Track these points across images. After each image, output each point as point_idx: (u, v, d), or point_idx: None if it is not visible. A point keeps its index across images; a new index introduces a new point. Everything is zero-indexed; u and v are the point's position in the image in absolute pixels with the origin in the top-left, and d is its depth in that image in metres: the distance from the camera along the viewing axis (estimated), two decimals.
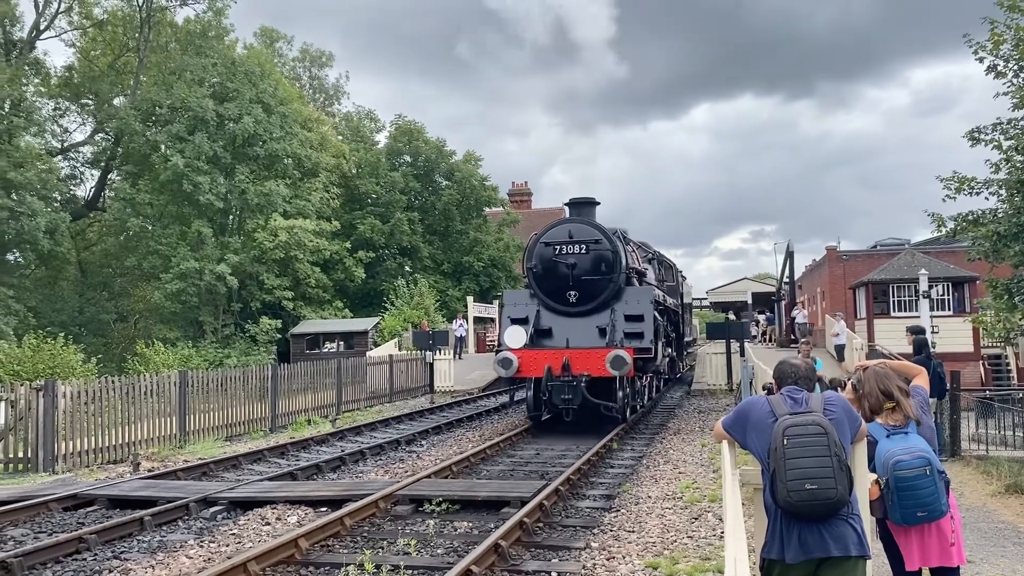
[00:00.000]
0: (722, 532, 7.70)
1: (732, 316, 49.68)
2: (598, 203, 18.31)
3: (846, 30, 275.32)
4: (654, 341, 16.69)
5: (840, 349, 26.10)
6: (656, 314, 17.38)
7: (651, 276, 20.71)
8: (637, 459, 13.60)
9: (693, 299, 41.24)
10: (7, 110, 36.49)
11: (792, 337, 31.71)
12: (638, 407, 18.59)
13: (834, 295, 34.41)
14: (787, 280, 36.95)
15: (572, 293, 17.07)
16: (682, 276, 28.33)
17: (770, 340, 38.38)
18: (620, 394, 16.39)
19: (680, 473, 11.95)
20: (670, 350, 21.80)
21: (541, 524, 8.81)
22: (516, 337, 16.72)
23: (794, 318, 32.39)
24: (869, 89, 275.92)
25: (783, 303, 37.17)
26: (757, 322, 41.32)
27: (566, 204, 18.65)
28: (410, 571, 7.19)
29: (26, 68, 40.59)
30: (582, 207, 18.15)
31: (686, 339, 28.69)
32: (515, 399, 21.70)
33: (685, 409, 21.86)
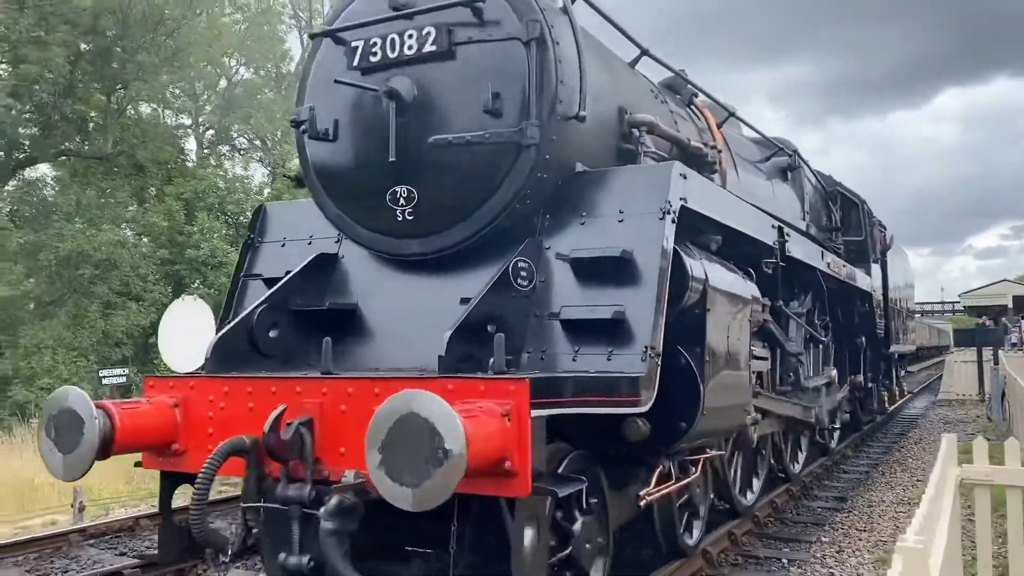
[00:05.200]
0: None
1: (989, 322, 45.83)
2: None
3: None
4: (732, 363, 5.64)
5: None
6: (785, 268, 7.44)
7: (760, 181, 9.33)
8: (872, 466, 13.08)
9: (913, 298, 22.29)
10: None
11: None
12: None
13: None
14: None
15: (402, 192, 5.20)
16: (886, 236, 16.39)
17: None
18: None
19: (919, 481, 11.32)
20: (837, 377, 11.30)
21: (772, 519, 8.93)
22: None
23: None
24: None
25: None
26: (1019, 328, 37.94)
27: None
28: None
29: None
30: None
31: (897, 346, 16.56)
32: None
33: (929, 419, 20.12)
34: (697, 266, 5.14)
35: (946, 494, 4.38)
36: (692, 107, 7.84)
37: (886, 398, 16.42)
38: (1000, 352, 23.67)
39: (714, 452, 6.08)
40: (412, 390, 3.49)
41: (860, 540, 8.04)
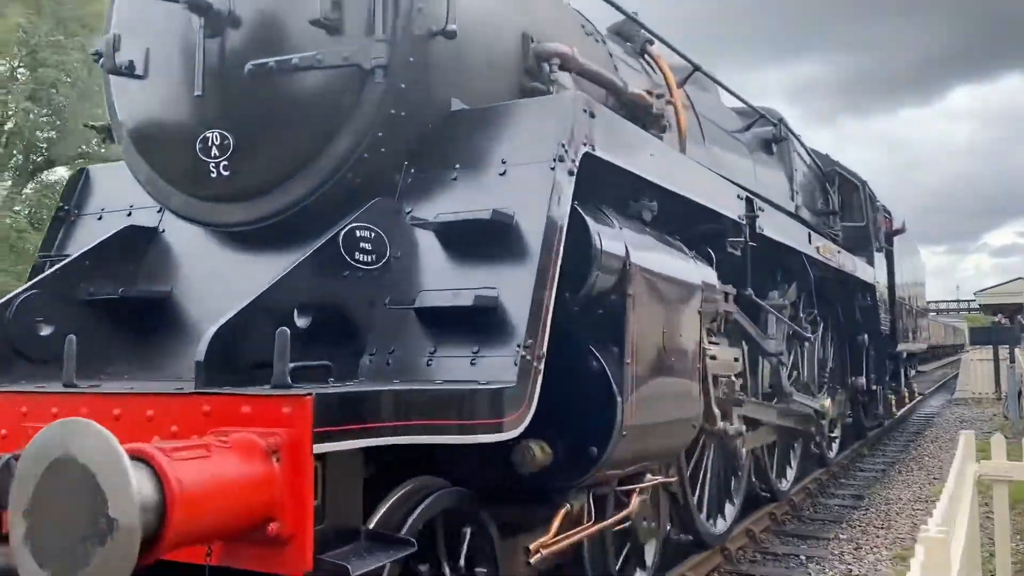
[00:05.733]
0: None
1: (1004, 320, 44.62)
2: None
3: None
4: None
5: None
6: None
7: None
8: (889, 464, 12.90)
9: (924, 295, 21.15)
10: None
11: None
12: None
13: None
14: None
15: (214, 139, 3.82)
16: (892, 223, 15.00)
17: None
18: None
19: (935, 479, 11.33)
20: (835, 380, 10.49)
21: (790, 516, 8.78)
22: None
23: None
24: None
25: None
26: None
27: None
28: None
29: None
30: None
31: (906, 344, 15.21)
32: None
33: (944, 418, 19.70)
34: (611, 237, 3.81)
35: (965, 489, 4.49)
36: (646, 57, 6.48)
37: (893, 402, 14.91)
38: (1016, 350, 22.79)
39: (656, 479, 4.74)
40: (73, 419, 2.14)
41: (878, 537, 8.11)
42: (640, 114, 5.19)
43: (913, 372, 19.30)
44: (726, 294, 5.63)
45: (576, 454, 3.75)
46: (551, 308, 3.28)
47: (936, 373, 37.46)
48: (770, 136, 8.75)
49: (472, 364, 3.21)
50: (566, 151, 3.45)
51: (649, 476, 4.67)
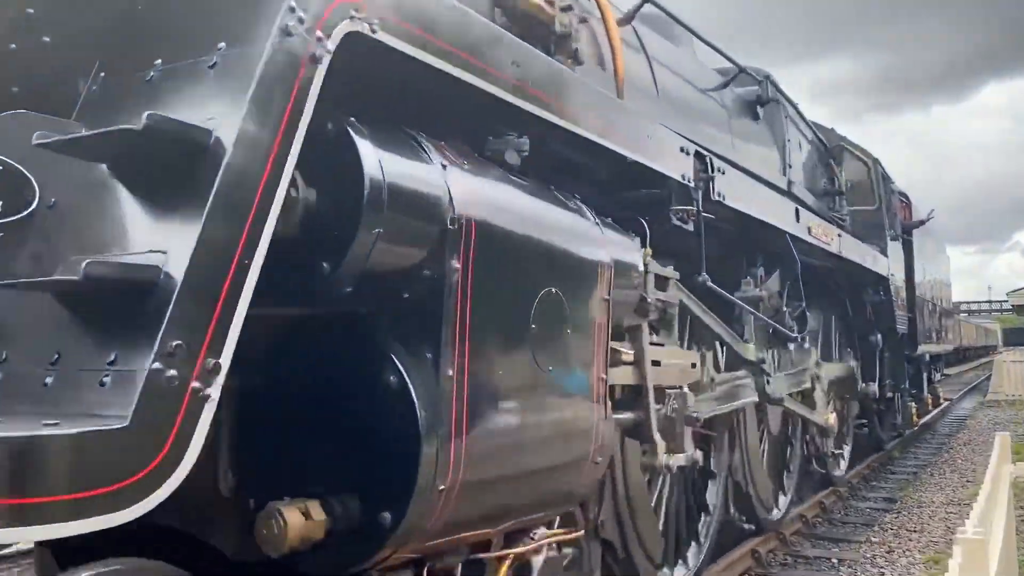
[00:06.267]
0: None
1: None
2: None
3: None
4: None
5: None
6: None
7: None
8: (921, 467, 12.51)
9: (950, 296, 20.40)
10: None
11: None
12: None
13: None
14: None
15: None
16: (911, 210, 13.65)
17: None
18: None
19: (968, 482, 10.97)
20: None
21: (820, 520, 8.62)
22: None
23: None
24: None
25: None
26: None
27: None
28: None
29: None
30: None
31: (928, 346, 13.94)
32: None
33: (977, 420, 19.00)
34: (416, 174, 2.41)
35: (1001, 490, 4.76)
36: None
37: (914, 410, 13.25)
38: None
39: (548, 538, 3.30)
40: None
41: (911, 541, 7.98)
42: (538, 33, 3.77)
43: (938, 376, 17.66)
44: (664, 279, 4.20)
45: (364, 523, 2.37)
46: (248, 285, 1.88)
47: (967, 375, 37.26)
48: (754, 97, 7.22)
49: (102, 384, 1.81)
50: (301, 20, 2.05)
51: (542, 532, 3.28)
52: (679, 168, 4.23)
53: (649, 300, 3.90)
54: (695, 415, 4.34)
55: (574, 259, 3.08)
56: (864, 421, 11.19)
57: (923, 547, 7.68)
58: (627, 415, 3.79)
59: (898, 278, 11.26)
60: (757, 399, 5.90)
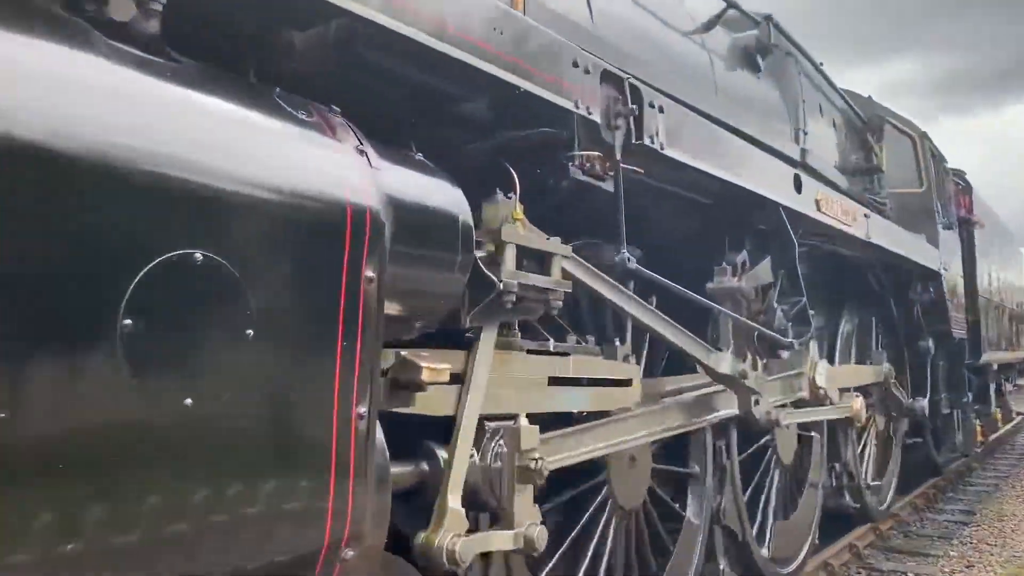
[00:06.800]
0: None
1: None
2: None
3: None
4: None
5: None
6: None
7: None
8: (1002, 478, 11.78)
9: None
10: None
11: None
12: None
13: None
14: None
15: None
16: (971, 199, 11.41)
17: None
18: None
19: None
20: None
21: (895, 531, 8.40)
22: None
23: None
24: None
25: None
26: None
27: None
28: None
29: None
30: None
31: (995, 353, 11.75)
32: None
33: None
34: None
35: None
36: None
37: (979, 429, 11.48)
38: None
39: None
40: None
41: (991, 555, 7.80)
42: None
43: (1010, 388, 15.59)
44: (549, 255, 2.81)
45: None
46: None
47: None
48: (752, 41, 5.75)
49: None
50: None
51: None
52: (568, 91, 2.84)
53: (501, 286, 2.51)
54: (539, 465, 2.74)
55: (261, 196, 1.71)
56: (919, 439, 9.58)
57: (1004, 561, 7.56)
58: (405, 468, 2.37)
59: (953, 273, 9.52)
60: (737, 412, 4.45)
